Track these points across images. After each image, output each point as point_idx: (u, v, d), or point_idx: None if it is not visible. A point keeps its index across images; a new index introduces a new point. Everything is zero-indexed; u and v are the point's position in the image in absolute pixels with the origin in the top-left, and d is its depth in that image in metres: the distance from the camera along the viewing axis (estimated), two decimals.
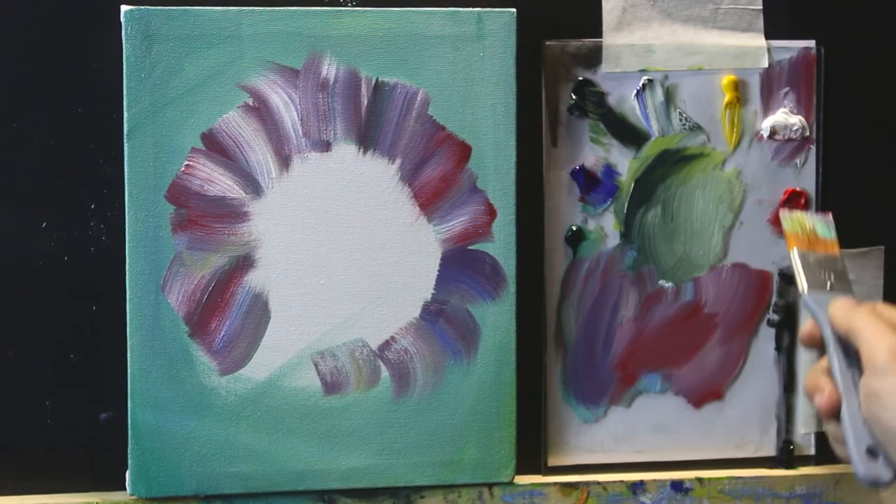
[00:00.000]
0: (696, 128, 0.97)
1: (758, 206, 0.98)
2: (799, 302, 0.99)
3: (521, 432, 0.95)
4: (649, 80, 0.97)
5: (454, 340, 0.94)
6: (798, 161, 0.99)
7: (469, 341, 0.94)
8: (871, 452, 0.77)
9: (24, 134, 0.91)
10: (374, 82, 0.92)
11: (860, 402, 0.77)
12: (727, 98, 0.97)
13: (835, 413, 0.79)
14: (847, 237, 0.99)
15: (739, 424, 1.00)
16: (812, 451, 1.01)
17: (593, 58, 0.96)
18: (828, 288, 0.85)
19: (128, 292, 0.90)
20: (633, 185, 0.97)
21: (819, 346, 0.84)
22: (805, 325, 0.85)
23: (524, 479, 0.97)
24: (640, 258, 0.98)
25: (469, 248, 0.94)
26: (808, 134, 0.98)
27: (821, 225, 0.90)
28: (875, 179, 1.00)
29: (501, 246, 0.94)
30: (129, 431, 0.91)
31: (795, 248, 0.87)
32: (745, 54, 0.97)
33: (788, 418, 1.00)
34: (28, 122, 0.91)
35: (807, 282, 0.85)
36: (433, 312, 0.93)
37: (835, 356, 0.81)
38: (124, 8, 0.89)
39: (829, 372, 0.81)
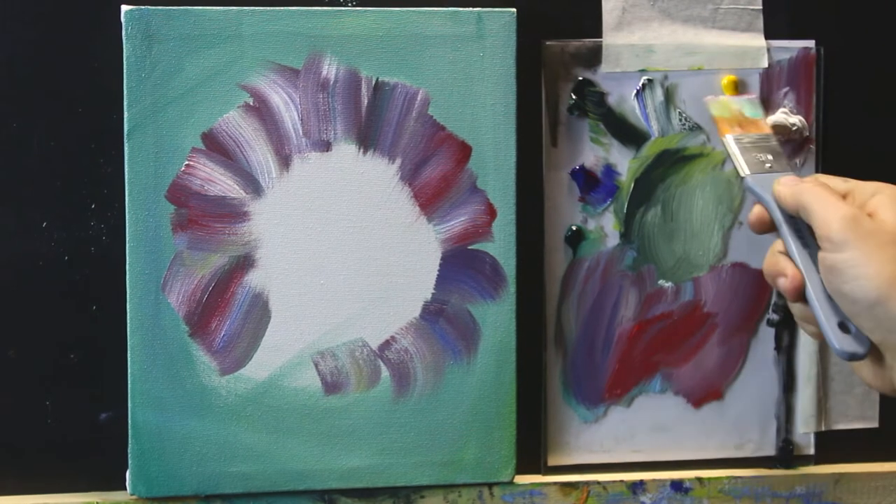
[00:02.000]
0: (696, 128, 0.98)
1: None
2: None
3: (521, 432, 0.95)
4: (649, 80, 0.97)
5: (454, 340, 0.94)
6: (798, 161, 0.99)
7: (469, 341, 0.94)
8: (843, 327, 0.76)
9: (25, 134, 0.91)
10: (374, 82, 0.92)
11: (821, 279, 0.76)
12: None
13: (800, 294, 0.78)
14: None
15: (739, 424, 1.00)
16: (812, 451, 1.01)
17: (593, 58, 0.96)
18: (767, 168, 0.84)
19: (128, 292, 0.90)
20: (632, 184, 0.97)
21: (769, 230, 0.83)
22: (753, 210, 0.83)
23: (524, 479, 0.97)
24: (640, 258, 0.98)
25: (469, 247, 0.94)
26: (807, 134, 0.98)
27: (748, 106, 0.89)
28: (874, 180, 1.00)
29: (501, 246, 0.94)
30: (129, 431, 0.91)
31: (728, 134, 0.86)
32: (744, 54, 0.97)
33: (788, 418, 1.00)
34: (28, 122, 0.91)
35: (746, 165, 0.84)
36: (433, 312, 0.93)
37: (789, 236, 0.79)
38: (124, 8, 0.89)
39: (787, 253, 0.79)
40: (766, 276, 0.82)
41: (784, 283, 0.79)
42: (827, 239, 0.75)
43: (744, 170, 0.85)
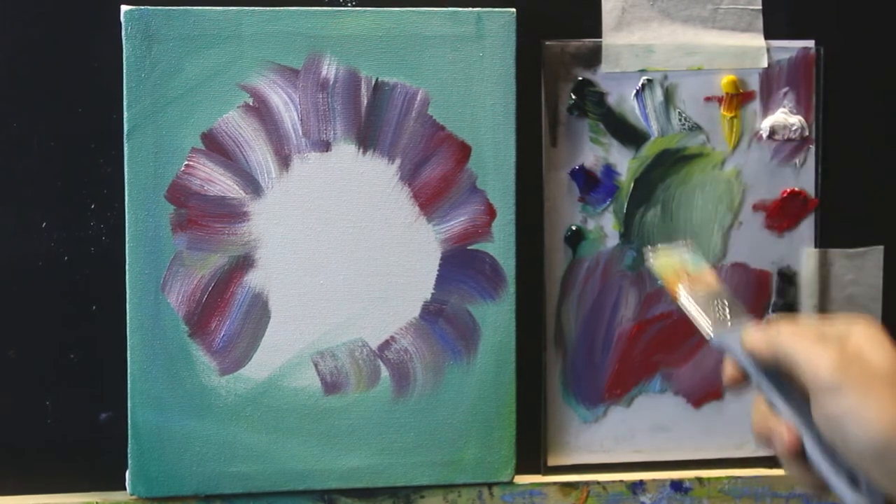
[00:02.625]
0: (696, 128, 0.97)
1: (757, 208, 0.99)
2: (792, 305, 0.98)
3: (521, 432, 0.95)
4: (649, 80, 0.97)
5: (454, 340, 0.94)
6: (797, 161, 0.99)
7: (469, 341, 0.94)
8: (853, 480, 0.69)
9: (24, 134, 0.91)
10: (373, 82, 0.92)
11: (820, 432, 0.68)
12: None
13: (799, 453, 0.70)
14: (846, 237, 1.00)
15: (739, 424, 1.00)
16: None
17: (593, 58, 0.96)
18: (727, 321, 0.76)
19: (128, 292, 0.90)
20: (632, 184, 0.97)
21: (744, 386, 0.74)
22: (725, 369, 0.74)
23: (524, 479, 0.97)
24: (640, 258, 0.98)
25: (469, 247, 0.94)
26: (807, 134, 0.98)
27: (689, 258, 0.81)
28: (874, 179, 1.00)
29: (501, 246, 0.94)
30: (129, 431, 0.91)
31: (682, 293, 0.77)
32: (744, 54, 0.97)
33: None
34: (28, 122, 0.91)
35: (709, 325, 0.76)
36: (433, 312, 0.93)
37: (772, 392, 0.72)
38: (124, 8, 0.89)
39: (773, 410, 0.71)
40: (755, 437, 0.74)
41: (780, 445, 0.71)
42: (819, 388, 0.67)
43: (708, 330, 0.76)
